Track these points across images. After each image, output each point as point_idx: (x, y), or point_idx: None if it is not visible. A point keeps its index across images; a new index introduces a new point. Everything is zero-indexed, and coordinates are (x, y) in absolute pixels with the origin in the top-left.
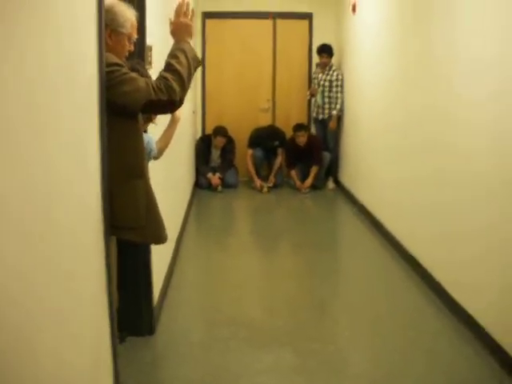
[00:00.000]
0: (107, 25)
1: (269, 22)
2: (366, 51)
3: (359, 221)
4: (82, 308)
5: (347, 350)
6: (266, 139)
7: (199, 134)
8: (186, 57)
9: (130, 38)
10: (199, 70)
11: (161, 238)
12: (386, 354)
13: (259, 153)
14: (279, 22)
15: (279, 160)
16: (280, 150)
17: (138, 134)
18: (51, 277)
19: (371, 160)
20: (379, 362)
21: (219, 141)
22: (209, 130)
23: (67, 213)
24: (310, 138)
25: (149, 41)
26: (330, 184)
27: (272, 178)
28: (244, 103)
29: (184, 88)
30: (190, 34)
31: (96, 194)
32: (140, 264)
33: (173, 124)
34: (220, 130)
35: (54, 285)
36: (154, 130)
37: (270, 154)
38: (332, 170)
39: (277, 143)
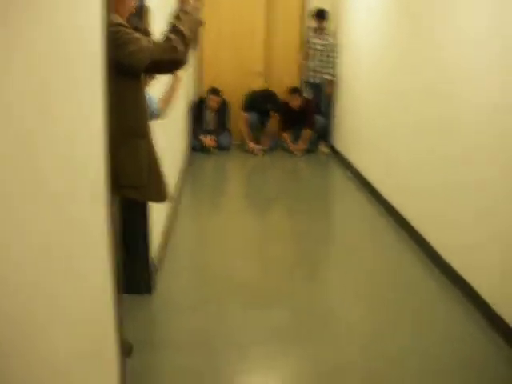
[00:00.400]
0: None
1: None
2: (363, 17)
3: (352, 184)
4: (86, 262)
5: (340, 308)
6: (260, 102)
7: (193, 97)
8: (189, 17)
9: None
10: None
11: (162, 196)
12: (377, 311)
13: (253, 116)
14: None
15: (273, 123)
16: (274, 114)
17: (140, 93)
18: (57, 230)
19: (365, 125)
20: (371, 319)
21: (213, 100)
22: (203, 94)
23: (70, 171)
24: (304, 101)
25: (147, 2)
26: (323, 148)
27: (265, 141)
28: (238, 67)
29: (187, 48)
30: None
31: (99, 154)
32: (139, 223)
33: (175, 84)
34: (214, 90)
35: (58, 237)
36: (156, 90)
37: (263, 118)
38: (326, 134)
39: (271, 106)
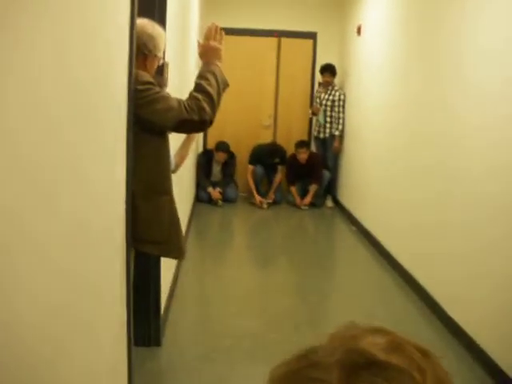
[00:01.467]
0: (149, 50)
1: (273, 40)
2: (370, 73)
3: (357, 240)
4: (102, 315)
5: None
6: (266, 156)
7: (201, 149)
8: (216, 79)
9: (159, 59)
10: None
11: (181, 254)
12: None
13: (260, 169)
14: (284, 40)
15: (279, 176)
16: (280, 167)
17: (166, 151)
18: (75, 284)
19: (371, 180)
20: None
21: (221, 156)
22: (210, 145)
23: (94, 222)
24: (311, 155)
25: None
26: (329, 202)
27: (271, 195)
28: (246, 119)
29: (214, 109)
30: (220, 57)
31: (120, 207)
32: (150, 275)
33: (189, 140)
34: (222, 146)
35: (77, 291)
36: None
37: (270, 171)
38: (331, 188)
39: (277, 160)
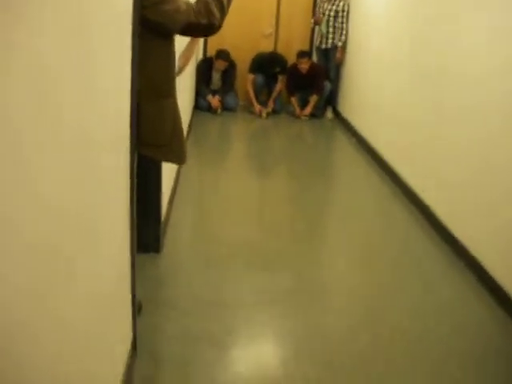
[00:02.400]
0: None
1: None
2: None
3: (356, 151)
4: (107, 221)
5: (341, 271)
6: (267, 65)
7: (201, 56)
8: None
9: None
10: None
11: (182, 159)
12: (377, 274)
13: (260, 78)
14: None
15: (279, 86)
16: (281, 77)
17: (171, 54)
18: (82, 188)
19: (373, 92)
20: (373, 287)
21: (220, 64)
22: (211, 53)
23: (100, 125)
24: (313, 66)
25: None
26: (329, 113)
27: (271, 103)
28: (247, 28)
29: (223, 13)
30: None
31: (125, 110)
32: (152, 181)
33: (194, 42)
34: (222, 54)
35: (83, 193)
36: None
37: (270, 80)
38: (332, 99)
39: (278, 69)
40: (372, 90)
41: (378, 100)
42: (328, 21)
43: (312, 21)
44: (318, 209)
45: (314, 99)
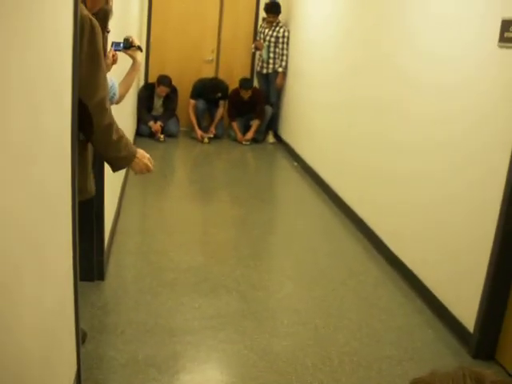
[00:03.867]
0: None
1: None
2: (314, 10)
3: (299, 175)
4: (51, 248)
5: (290, 297)
6: (208, 90)
7: (142, 83)
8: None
9: None
10: (145, 16)
11: (82, 193)
12: (326, 301)
13: (201, 104)
14: None
15: (221, 111)
16: (222, 102)
17: None
18: (26, 209)
19: (313, 116)
20: (320, 309)
21: (162, 90)
22: (152, 79)
23: (43, 150)
24: (254, 91)
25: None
26: (271, 138)
27: (213, 129)
28: (188, 53)
29: (107, 135)
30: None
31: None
32: (93, 212)
33: (134, 70)
34: (164, 80)
35: (27, 217)
36: (117, 75)
37: (211, 106)
38: (273, 124)
39: (219, 95)
40: (311, 115)
41: (316, 124)
42: (269, 46)
43: (253, 46)
44: (262, 233)
45: (255, 124)
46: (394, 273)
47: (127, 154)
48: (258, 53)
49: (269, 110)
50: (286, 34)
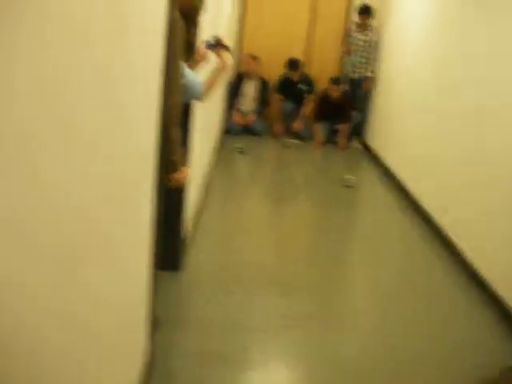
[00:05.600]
0: None
1: None
2: (408, 15)
3: (382, 183)
4: (128, 235)
5: (363, 303)
6: (293, 82)
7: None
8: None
9: None
10: (241, 14)
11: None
12: (400, 309)
13: (288, 104)
14: None
15: (307, 108)
16: (308, 98)
17: None
18: (106, 199)
19: (402, 123)
20: (393, 317)
21: (252, 65)
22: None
23: (130, 156)
24: (343, 94)
25: None
26: (356, 144)
27: (297, 125)
28: (279, 54)
29: (171, 143)
30: None
31: (151, 131)
32: (174, 202)
33: (219, 69)
34: (253, 57)
35: (107, 205)
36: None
37: (297, 102)
38: (359, 130)
39: (304, 86)
40: (401, 122)
41: (406, 133)
42: (356, 51)
43: (342, 50)
44: (339, 237)
45: (344, 129)
46: (473, 291)
47: (177, 160)
48: (347, 57)
49: (355, 115)
50: (376, 38)
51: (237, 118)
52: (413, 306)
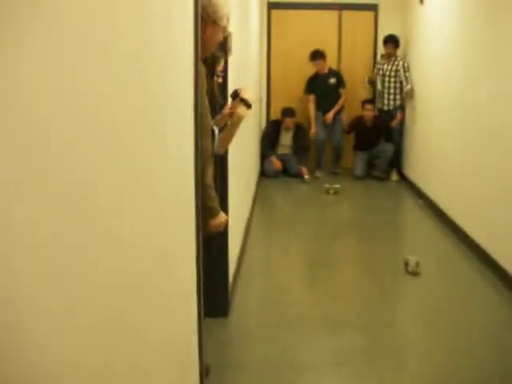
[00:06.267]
0: (207, 16)
1: (334, 13)
2: (434, 43)
3: (424, 213)
4: (175, 287)
5: (415, 336)
6: (323, 79)
7: (264, 124)
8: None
9: (224, 31)
10: (264, 60)
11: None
12: (452, 340)
13: (321, 132)
14: (345, 13)
15: (342, 100)
16: (341, 90)
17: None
18: (152, 256)
19: (437, 152)
20: (445, 347)
21: (289, 121)
22: (275, 116)
23: (176, 212)
24: (377, 117)
25: (230, 28)
26: (394, 176)
27: (330, 115)
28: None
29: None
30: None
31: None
32: (217, 249)
33: (232, 124)
34: (288, 111)
35: (153, 264)
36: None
37: (331, 101)
38: (396, 161)
39: (333, 80)
40: (437, 150)
41: (442, 160)
42: (386, 81)
43: (366, 79)
44: (387, 271)
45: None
46: None
47: (213, 206)
48: (374, 88)
49: (390, 147)
50: (406, 64)
51: (275, 163)
52: (466, 333)
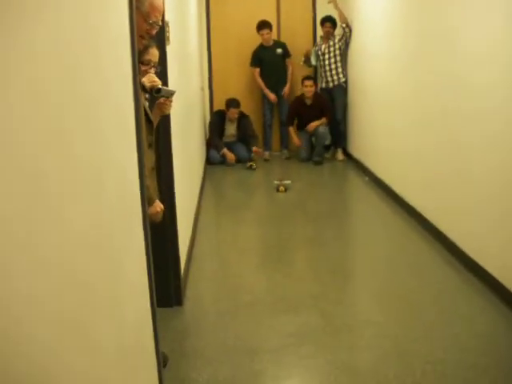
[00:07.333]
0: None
1: None
2: (372, 22)
3: (371, 189)
4: (124, 281)
5: (369, 311)
6: (269, 49)
7: (207, 111)
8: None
9: (146, 18)
10: (204, 40)
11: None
12: (405, 312)
13: (268, 113)
14: None
15: (290, 72)
16: (287, 61)
17: None
18: (97, 252)
19: (381, 127)
20: (399, 321)
21: (233, 112)
22: (217, 106)
23: (115, 192)
24: (317, 95)
25: (167, 16)
26: (340, 155)
27: (287, 90)
28: (248, 76)
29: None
30: None
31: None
32: (168, 239)
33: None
34: (232, 102)
35: (99, 259)
36: None
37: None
38: (341, 141)
39: (281, 51)
40: (380, 126)
41: (385, 137)
42: (323, 61)
43: (302, 59)
44: (337, 248)
45: (321, 121)
46: (474, 279)
47: (147, 195)
48: (306, 64)
49: (323, 129)
50: (342, 46)
51: (228, 156)
52: (418, 303)
